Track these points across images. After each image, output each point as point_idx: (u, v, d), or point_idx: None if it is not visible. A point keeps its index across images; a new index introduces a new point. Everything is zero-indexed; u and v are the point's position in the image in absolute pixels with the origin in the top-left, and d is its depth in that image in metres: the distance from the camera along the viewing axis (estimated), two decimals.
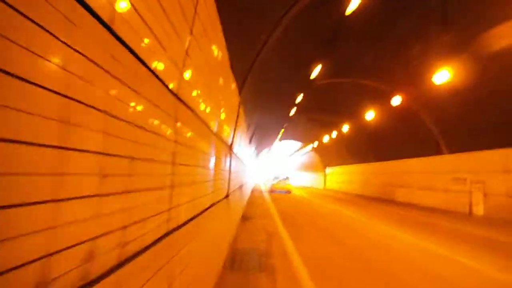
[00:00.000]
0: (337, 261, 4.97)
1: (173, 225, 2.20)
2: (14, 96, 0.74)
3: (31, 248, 0.81)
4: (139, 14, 1.36)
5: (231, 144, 6.19)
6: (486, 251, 5.90)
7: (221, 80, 4.11)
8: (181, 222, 2.40)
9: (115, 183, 1.21)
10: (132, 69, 1.33)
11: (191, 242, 2.72)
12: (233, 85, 5.89)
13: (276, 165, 49.27)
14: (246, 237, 6.53)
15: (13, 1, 0.72)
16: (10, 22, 0.72)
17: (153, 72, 1.58)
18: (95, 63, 1.06)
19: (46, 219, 0.87)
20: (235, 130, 6.76)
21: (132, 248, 1.41)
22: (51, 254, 0.88)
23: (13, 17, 0.73)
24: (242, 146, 9.74)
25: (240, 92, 7.35)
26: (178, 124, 2.21)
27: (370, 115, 14.75)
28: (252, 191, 23.10)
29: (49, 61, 0.85)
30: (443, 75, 9.10)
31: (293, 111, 16.87)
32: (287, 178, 26.44)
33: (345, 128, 18.71)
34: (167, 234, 2.06)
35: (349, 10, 6.70)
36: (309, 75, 11.29)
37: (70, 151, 0.95)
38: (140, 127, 1.44)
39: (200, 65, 2.80)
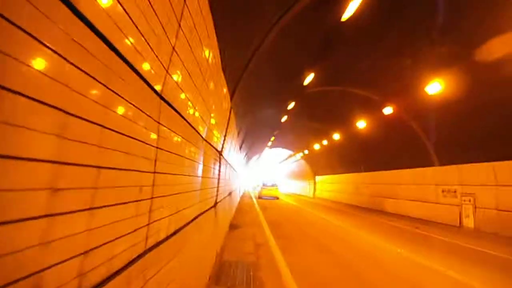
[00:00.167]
0: (326, 273, 4.85)
1: (153, 241, 1.95)
2: None
3: None
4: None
5: (221, 150, 5.95)
6: (478, 265, 5.80)
7: (212, 84, 3.89)
8: (162, 237, 2.15)
9: (73, 198, 0.96)
10: (103, 59, 1.10)
11: (175, 258, 2.46)
12: (225, 90, 5.68)
13: (266, 172, 49.02)
14: (234, 247, 6.26)
15: None
16: None
17: (130, 64, 1.34)
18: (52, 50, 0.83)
19: None
20: (225, 135, 6.53)
21: (95, 277, 1.16)
22: None
23: None
24: (232, 152, 9.49)
25: (231, 97, 7.16)
26: (162, 127, 1.97)
27: (361, 124, 14.75)
28: (242, 198, 22.75)
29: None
30: (434, 87, 9.14)
31: (284, 118, 16.75)
32: (275, 184, 26.95)
33: (336, 136, 18.67)
34: (145, 252, 1.80)
35: (345, 17, 6.65)
36: (302, 83, 11.21)
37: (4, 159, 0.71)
38: (111, 130, 1.19)
39: (190, 65, 2.58)
